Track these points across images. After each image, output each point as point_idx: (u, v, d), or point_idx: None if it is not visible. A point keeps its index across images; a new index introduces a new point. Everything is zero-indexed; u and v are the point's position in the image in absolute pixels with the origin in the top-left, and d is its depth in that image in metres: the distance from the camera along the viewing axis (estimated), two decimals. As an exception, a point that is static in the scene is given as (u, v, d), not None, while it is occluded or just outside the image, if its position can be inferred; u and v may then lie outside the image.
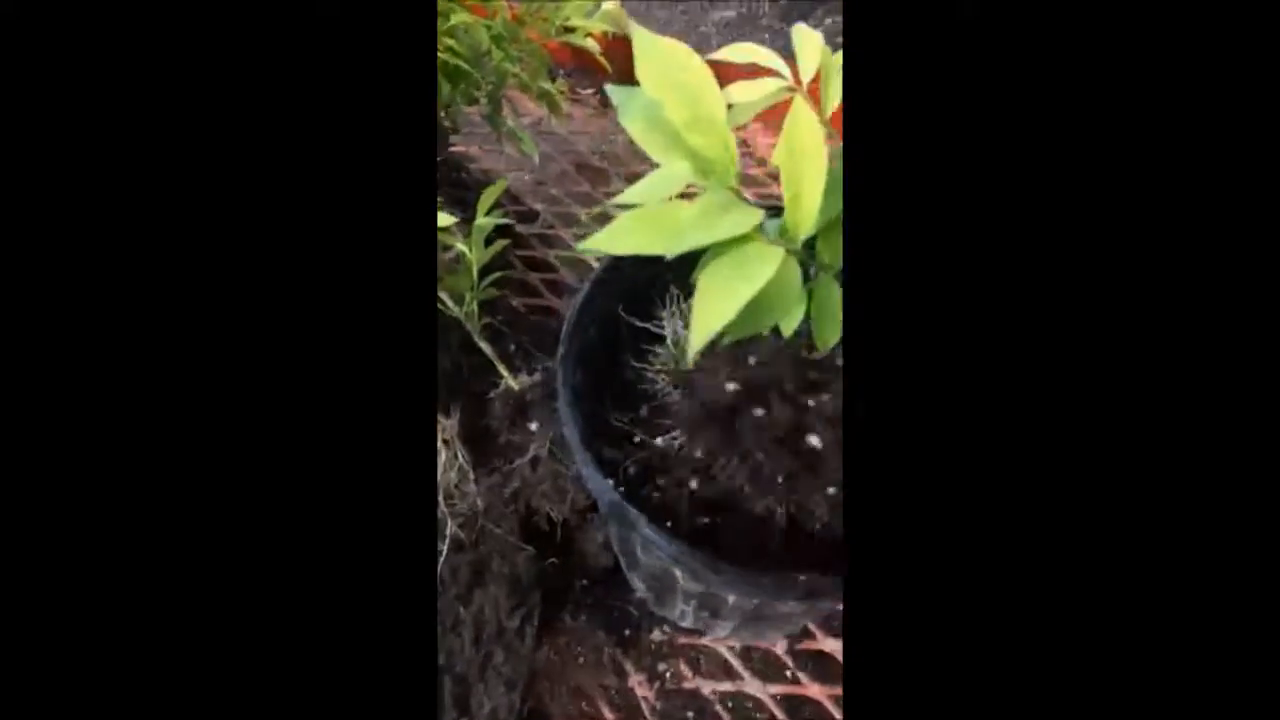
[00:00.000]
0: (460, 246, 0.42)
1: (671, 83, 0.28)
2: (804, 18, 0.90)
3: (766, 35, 0.92)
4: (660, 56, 0.28)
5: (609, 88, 0.30)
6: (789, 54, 0.34)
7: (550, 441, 0.49)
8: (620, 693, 0.51)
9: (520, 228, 0.70)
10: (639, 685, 0.51)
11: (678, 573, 0.37)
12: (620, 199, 0.28)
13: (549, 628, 0.49)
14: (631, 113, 0.29)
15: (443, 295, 0.46)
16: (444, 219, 0.38)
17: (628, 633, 0.52)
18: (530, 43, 0.56)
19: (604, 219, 0.30)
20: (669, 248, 0.25)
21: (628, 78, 0.29)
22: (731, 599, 0.37)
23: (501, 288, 0.50)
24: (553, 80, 0.58)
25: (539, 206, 0.72)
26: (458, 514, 0.45)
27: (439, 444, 0.46)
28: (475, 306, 0.45)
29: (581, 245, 0.28)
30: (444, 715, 0.40)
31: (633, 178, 0.76)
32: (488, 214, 0.41)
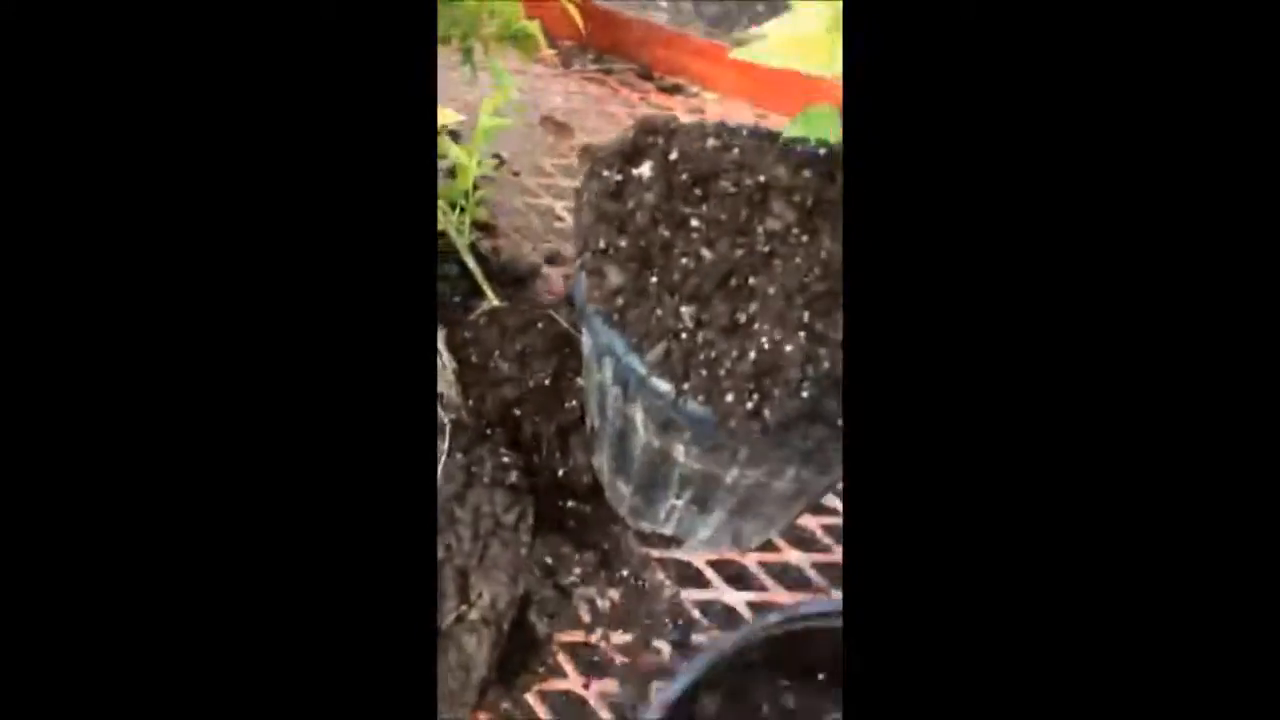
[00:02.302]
0: (457, 153, 0.43)
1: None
2: (732, 25, 0.94)
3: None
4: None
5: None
6: None
7: (541, 361, 0.51)
8: (598, 601, 0.53)
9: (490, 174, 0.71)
10: (615, 593, 0.53)
11: (679, 450, 0.39)
12: (764, 28, 0.30)
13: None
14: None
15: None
16: (446, 115, 0.39)
17: (607, 547, 0.55)
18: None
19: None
20: (825, 68, 0.28)
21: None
22: (730, 475, 0.39)
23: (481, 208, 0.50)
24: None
25: (505, 154, 0.73)
26: (449, 418, 0.46)
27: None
28: (467, 220, 0.46)
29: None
30: (444, 604, 0.41)
31: (594, 132, 0.79)
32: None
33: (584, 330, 0.41)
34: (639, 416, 0.39)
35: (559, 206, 0.71)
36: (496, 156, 0.72)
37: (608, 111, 0.80)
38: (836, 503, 0.59)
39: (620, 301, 0.36)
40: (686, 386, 0.34)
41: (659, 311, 0.34)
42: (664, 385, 0.35)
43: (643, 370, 0.35)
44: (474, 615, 0.41)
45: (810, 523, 0.57)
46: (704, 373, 0.33)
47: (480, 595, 0.41)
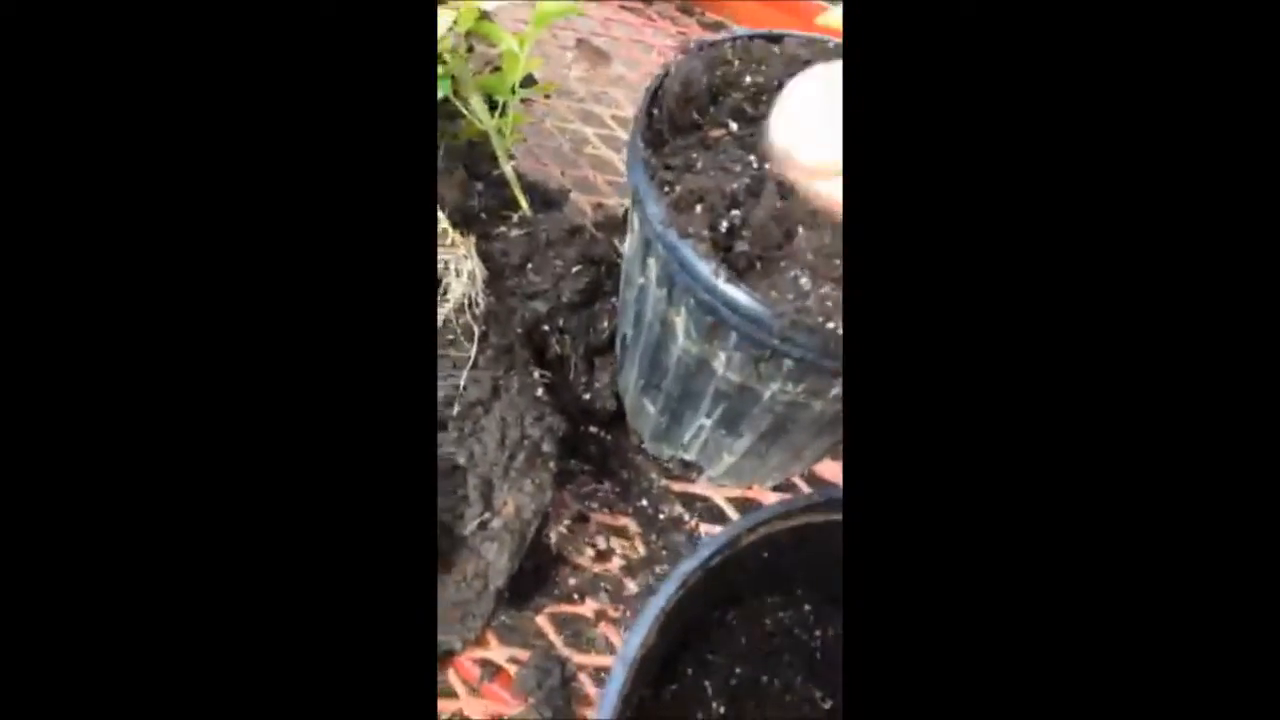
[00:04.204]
0: (509, 41, 0.41)
1: None
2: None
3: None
4: None
5: None
6: None
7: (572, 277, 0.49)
8: (616, 530, 0.52)
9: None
10: (631, 524, 0.52)
11: (719, 360, 0.37)
12: None
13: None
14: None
15: (475, 105, 0.45)
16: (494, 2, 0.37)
17: (625, 474, 0.53)
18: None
19: None
20: None
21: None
22: (769, 392, 0.38)
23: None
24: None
25: (537, 74, 0.71)
26: (478, 324, 0.44)
27: (461, 258, 0.45)
28: (508, 120, 0.44)
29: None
30: (469, 509, 0.40)
31: (631, 62, 0.76)
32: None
33: (631, 224, 0.40)
34: (680, 320, 0.37)
35: (590, 133, 0.69)
36: (529, 79, 0.70)
37: (645, 42, 0.77)
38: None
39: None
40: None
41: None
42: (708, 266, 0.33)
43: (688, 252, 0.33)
44: (497, 523, 0.40)
45: (832, 468, 0.56)
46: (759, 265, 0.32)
47: (505, 504, 0.40)
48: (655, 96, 0.39)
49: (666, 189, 0.36)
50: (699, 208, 0.35)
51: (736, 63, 0.41)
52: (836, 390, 0.37)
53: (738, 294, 0.33)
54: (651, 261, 0.37)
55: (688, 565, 0.28)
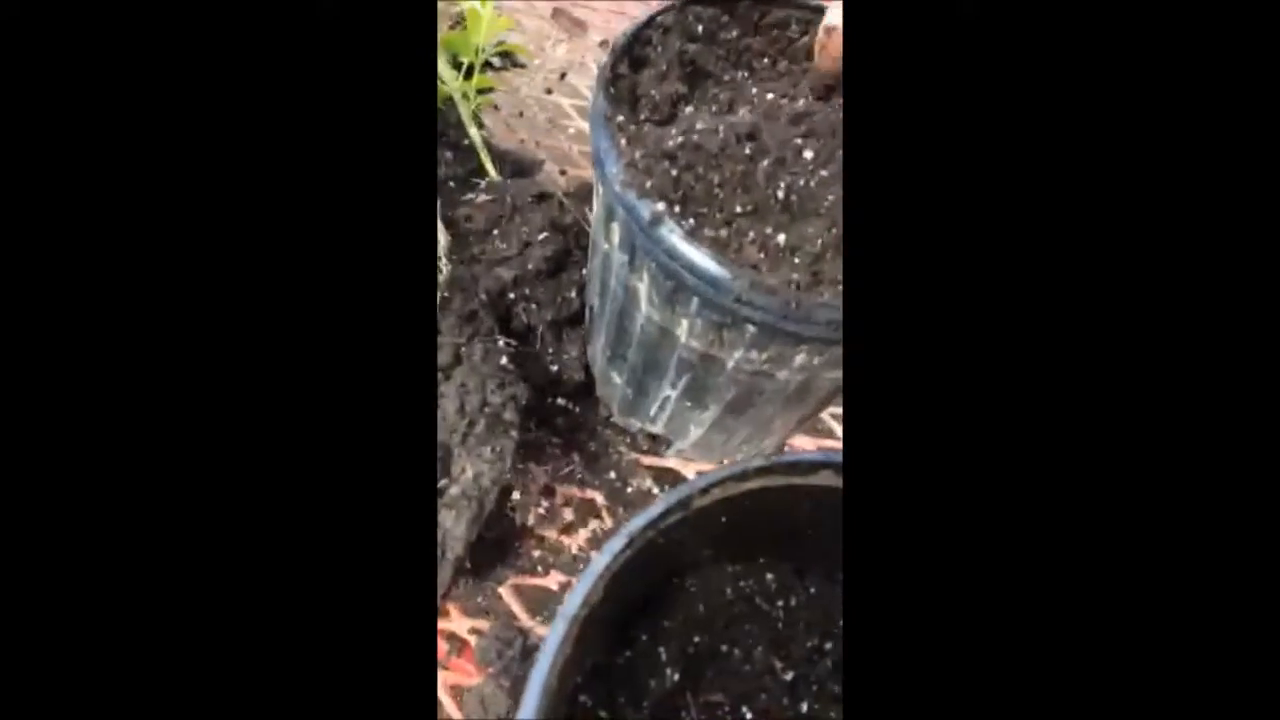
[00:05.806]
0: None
1: None
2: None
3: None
4: None
5: None
6: None
7: (540, 244, 0.48)
8: (583, 503, 0.51)
9: (495, 61, 0.67)
10: (599, 497, 0.51)
11: (682, 328, 0.37)
12: None
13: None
14: None
15: (439, 67, 0.43)
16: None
17: (593, 447, 0.53)
18: None
19: None
20: None
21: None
22: (732, 360, 0.37)
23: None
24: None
25: (513, 43, 0.69)
26: (440, 290, 0.43)
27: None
28: (473, 84, 0.43)
29: None
30: (425, 475, 0.39)
31: (610, 32, 0.75)
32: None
33: (596, 188, 0.39)
34: (643, 287, 0.37)
35: (567, 104, 0.68)
36: (505, 53, 0.68)
37: (625, 13, 0.76)
38: (835, 425, 0.57)
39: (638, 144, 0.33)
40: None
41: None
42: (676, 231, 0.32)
43: (646, 215, 0.33)
44: (455, 490, 0.39)
45: (805, 442, 0.56)
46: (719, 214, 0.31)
47: (464, 471, 0.39)
48: (625, 52, 0.38)
49: (629, 148, 0.35)
50: (661, 168, 0.34)
51: (714, 22, 0.40)
52: (800, 359, 0.37)
53: (697, 255, 0.32)
54: (614, 225, 0.37)
55: (637, 523, 0.28)
